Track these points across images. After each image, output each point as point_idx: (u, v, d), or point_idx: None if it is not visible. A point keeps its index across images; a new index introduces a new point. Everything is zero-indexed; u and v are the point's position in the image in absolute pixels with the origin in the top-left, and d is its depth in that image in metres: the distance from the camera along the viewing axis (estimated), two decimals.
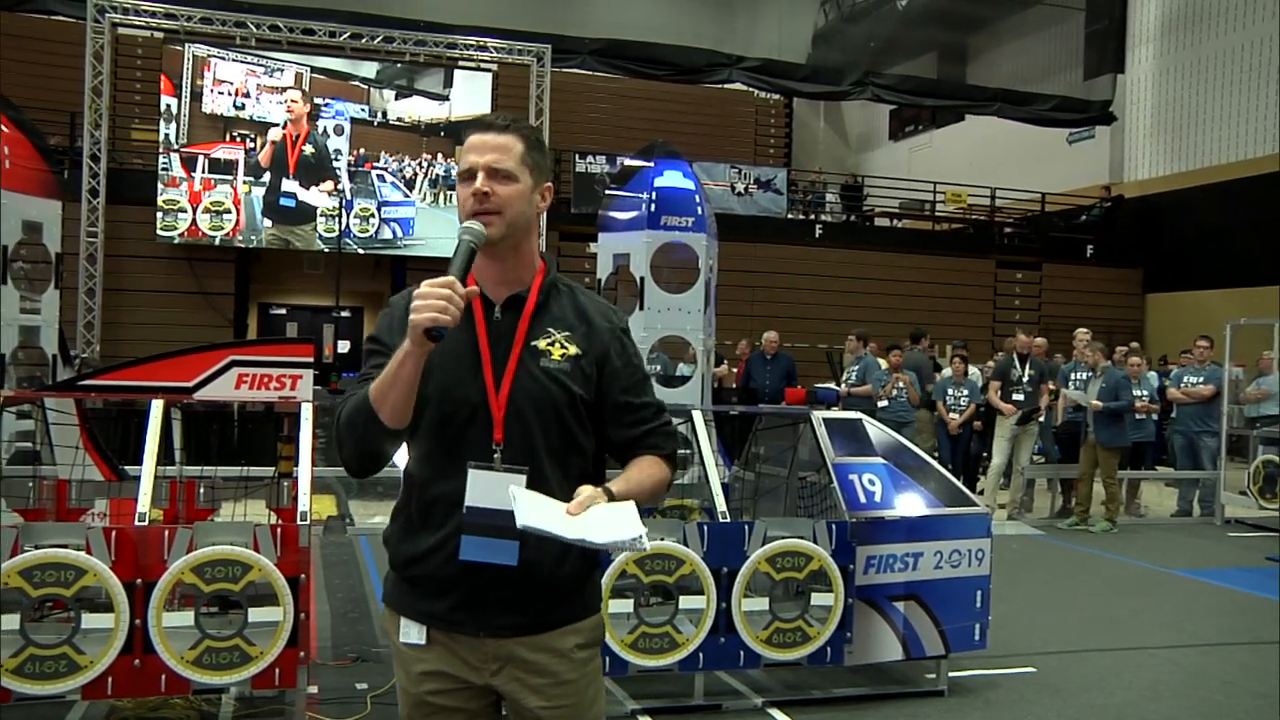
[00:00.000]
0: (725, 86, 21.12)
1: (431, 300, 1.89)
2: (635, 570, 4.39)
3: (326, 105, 16.18)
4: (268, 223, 16.08)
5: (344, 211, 16.22)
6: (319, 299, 17.98)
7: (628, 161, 9.05)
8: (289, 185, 16.16)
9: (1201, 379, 11.36)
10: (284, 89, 16.00)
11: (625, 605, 4.46)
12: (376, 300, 19.43)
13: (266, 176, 15.99)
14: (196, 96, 15.73)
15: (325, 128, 16.26)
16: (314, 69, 16.23)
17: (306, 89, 16.12)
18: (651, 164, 7.76)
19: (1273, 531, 9.97)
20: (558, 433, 2.11)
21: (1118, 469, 10.32)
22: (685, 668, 4.55)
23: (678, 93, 21.30)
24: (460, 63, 17.04)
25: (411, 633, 2.10)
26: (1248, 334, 12.02)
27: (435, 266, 16.74)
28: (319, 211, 16.27)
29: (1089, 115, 21.20)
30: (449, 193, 16.44)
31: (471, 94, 16.75)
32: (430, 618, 2.09)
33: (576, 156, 17.62)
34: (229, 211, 15.87)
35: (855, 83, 19.67)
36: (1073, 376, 10.78)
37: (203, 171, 15.77)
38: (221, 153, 15.85)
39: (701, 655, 4.50)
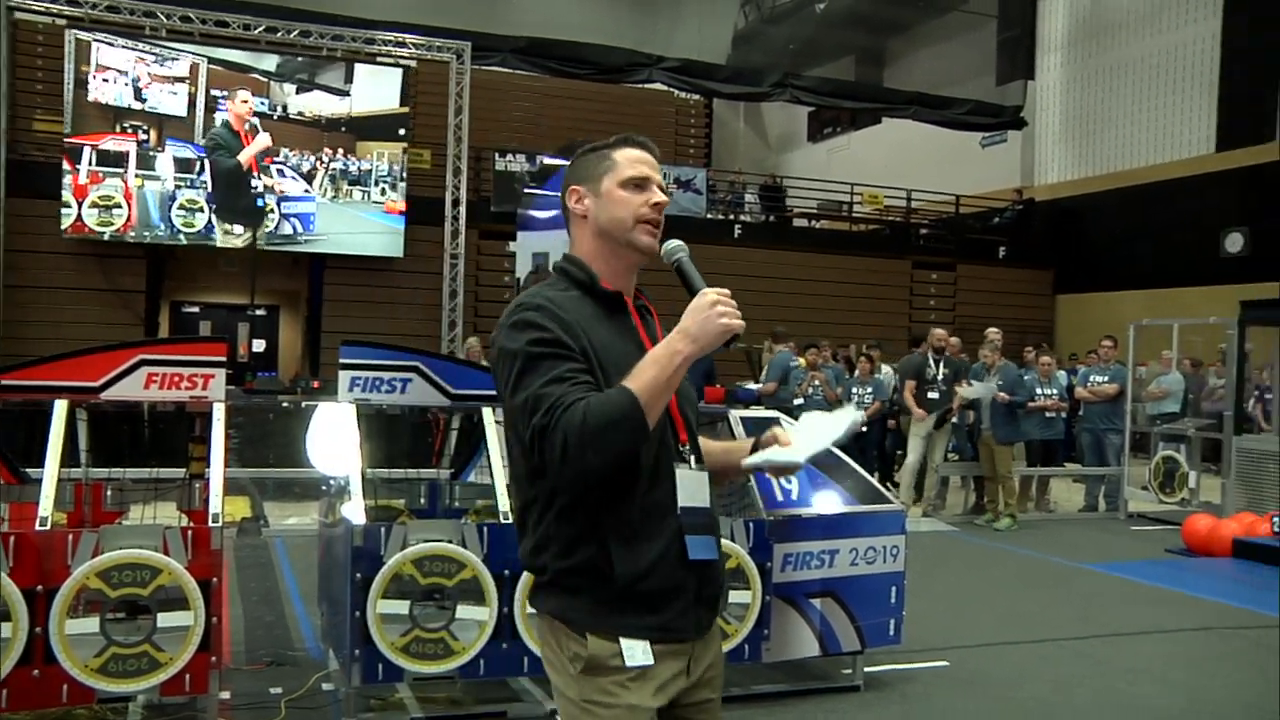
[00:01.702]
0: (646, 86, 21.15)
1: (734, 308, 1.95)
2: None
3: (224, 97, 15.67)
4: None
5: (207, 205, 15.57)
6: (235, 297, 17.61)
7: (547, 160, 9.04)
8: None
9: (1107, 378, 11.69)
10: (178, 79, 15.36)
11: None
12: (294, 299, 19.11)
13: (168, 170, 15.42)
14: (81, 84, 14.91)
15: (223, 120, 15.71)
16: (211, 60, 15.62)
17: (204, 80, 15.50)
18: (570, 163, 7.74)
19: (1173, 525, 10.29)
20: (697, 428, 2.21)
21: (1014, 464, 10.62)
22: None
23: (598, 92, 21.28)
24: (378, 58, 16.82)
25: (637, 653, 1.99)
26: (1150, 334, 12.40)
27: (355, 265, 16.54)
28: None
29: (1001, 120, 21.65)
30: (349, 188, 16.14)
31: (374, 90, 16.36)
32: (653, 631, 2.01)
33: (496, 155, 17.50)
34: (119, 206, 15.13)
35: (775, 84, 19.84)
36: (984, 376, 11.01)
37: (90, 164, 14.99)
38: (110, 144, 15.07)
39: None
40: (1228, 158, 18.01)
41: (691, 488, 2.06)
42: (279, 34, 15.67)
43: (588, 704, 1.99)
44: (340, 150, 16.13)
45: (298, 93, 16.13)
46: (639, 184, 2.12)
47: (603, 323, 2.07)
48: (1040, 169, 22.17)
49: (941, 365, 10.86)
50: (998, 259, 21.02)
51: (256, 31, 15.62)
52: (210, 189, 15.56)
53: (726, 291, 1.97)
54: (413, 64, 17.11)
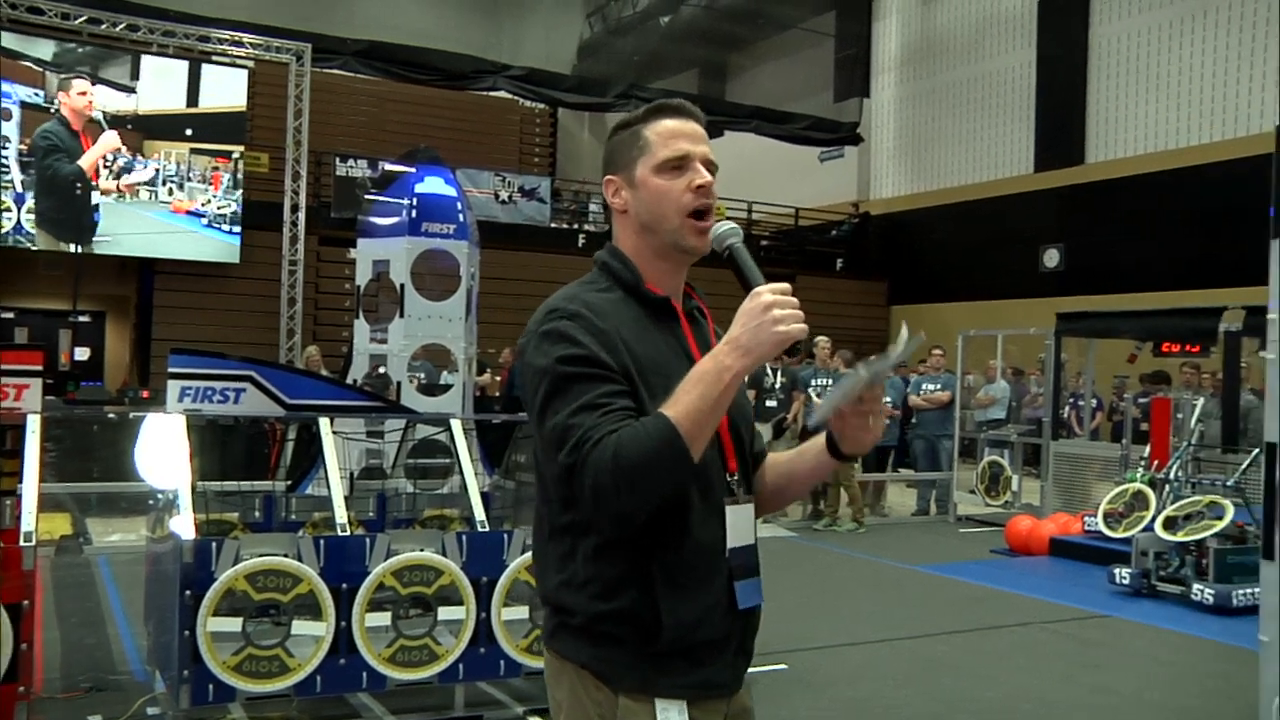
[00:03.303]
0: (491, 94, 21.03)
1: (794, 311, 1.65)
2: (393, 582, 4.29)
3: (60, 89, 14.62)
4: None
5: (15, 205, 14.50)
6: (55, 302, 16.68)
7: (389, 166, 8.88)
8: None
9: (939, 386, 12.17)
10: None
11: (383, 618, 4.35)
12: (121, 304, 18.23)
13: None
14: None
15: None
16: None
17: None
18: (413, 169, 7.64)
19: (997, 526, 10.78)
20: (753, 457, 1.94)
21: (859, 471, 10.95)
22: (445, 679, 4.48)
23: (442, 98, 21.06)
24: (214, 58, 16.21)
25: (672, 715, 1.74)
26: (977, 344, 12.99)
27: (188, 270, 15.90)
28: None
29: (839, 135, 22.32)
30: (137, 187, 15.28)
31: (161, 86, 15.48)
32: (692, 689, 1.76)
33: (337, 160, 17.12)
34: None
35: (619, 95, 20.00)
36: (814, 382, 11.31)
37: None
38: None
39: (461, 667, 4.44)
40: (1045, 178, 19.04)
41: (741, 525, 1.81)
42: (103, 26, 14.89)
43: None
44: (124, 148, 15.15)
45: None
46: (678, 165, 1.81)
47: (648, 330, 1.79)
48: (875, 184, 22.99)
49: (779, 374, 11.11)
50: (835, 270, 21.66)
51: (78, 22, 14.74)
52: (36, 198, 14.47)
53: (785, 287, 1.68)
54: (250, 64, 16.57)
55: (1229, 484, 8.22)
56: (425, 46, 18.23)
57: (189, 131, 15.63)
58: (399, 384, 7.42)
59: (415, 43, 18.13)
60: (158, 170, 15.36)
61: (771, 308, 1.63)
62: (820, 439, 1.92)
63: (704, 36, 22.74)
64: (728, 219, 1.83)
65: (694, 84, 23.75)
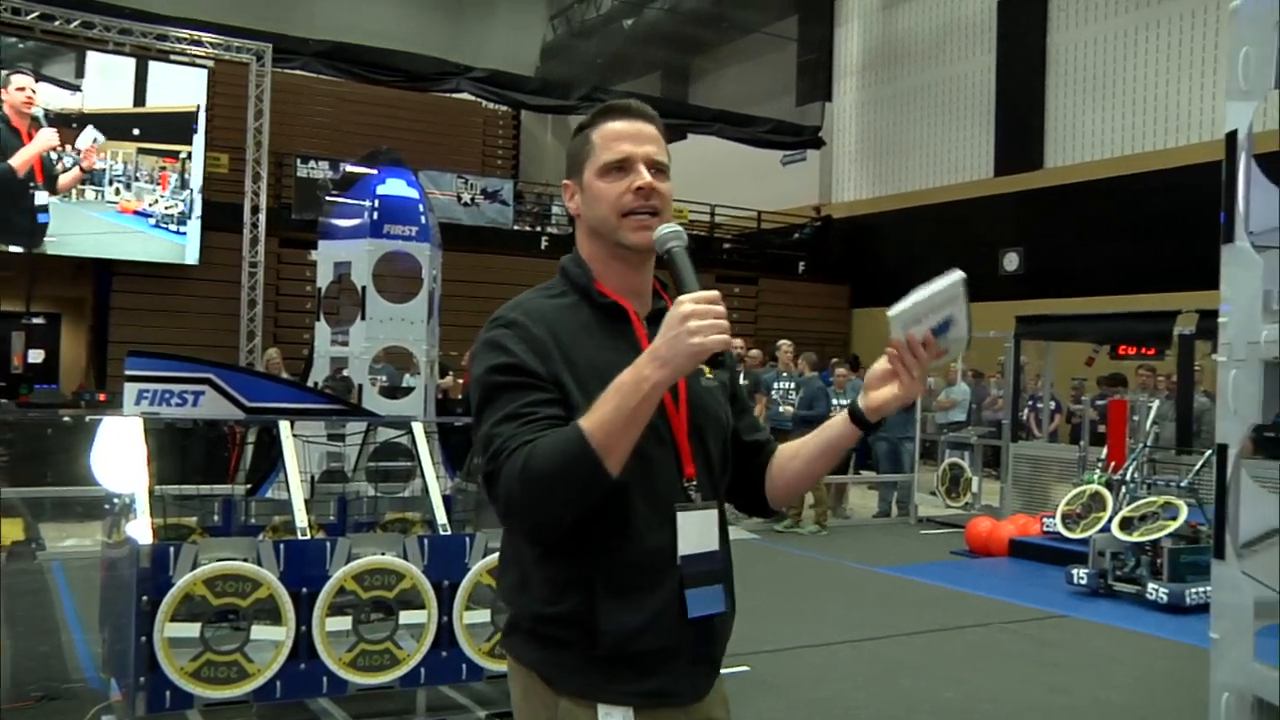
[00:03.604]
0: (453, 96, 20.94)
1: (714, 320, 1.57)
2: (354, 586, 4.26)
3: None
4: None
5: None
6: (8, 304, 16.40)
7: (350, 168, 8.82)
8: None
9: None
10: None
11: (344, 623, 4.32)
12: (77, 306, 17.98)
13: None
14: None
15: None
16: None
17: None
18: (375, 171, 7.58)
19: (958, 528, 10.88)
20: (726, 461, 1.90)
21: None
22: (406, 684, 4.46)
23: (404, 100, 20.94)
24: (172, 57, 16.02)
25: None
26: None
27: (146, 272, 15.70)
28: None
29: (801, 139, 22.44)
30: (83, 187, 14.97)
31: (107, 85, 15.14)
32: (640, 697, 1.73)
33: (298, 161, 16.98)
34: None
35: (582, 97, 19.98)
36: (775, 385, 11.36)
37: None
38: None
39: (423, 671, 4.42)
40: (1005, 182, 19.25)
41: (696, 530, 1.77)
42: (57, 23, 14.64)
43: None
44: (69, 146, 14.79)
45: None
46: (620, 167, 1.80)
47: (598, 336, 1.78)
48: (837, 188, 23.13)
49: (741, 376, 11.13)
50: (798, 274, 21.77)
51: (30, 18, 14.44)
52: None
53: (713, 295, 1.60)
54: (210, 64, 16.39)
55: (1183, 485, 8.34)
56: (387, 47, 18.13)
57: (136, 131, 15.37)
58: (360, 386, 7.38)
59: (377, 44, 18.03)
60: (96, 170, 15.04)
61: (689, 318, 1.57)
62: (842, 414, 1.89)
63: (667, 39, 22.81)
64: (675, 224, 1.78)
65: (657, 87, 23.81)
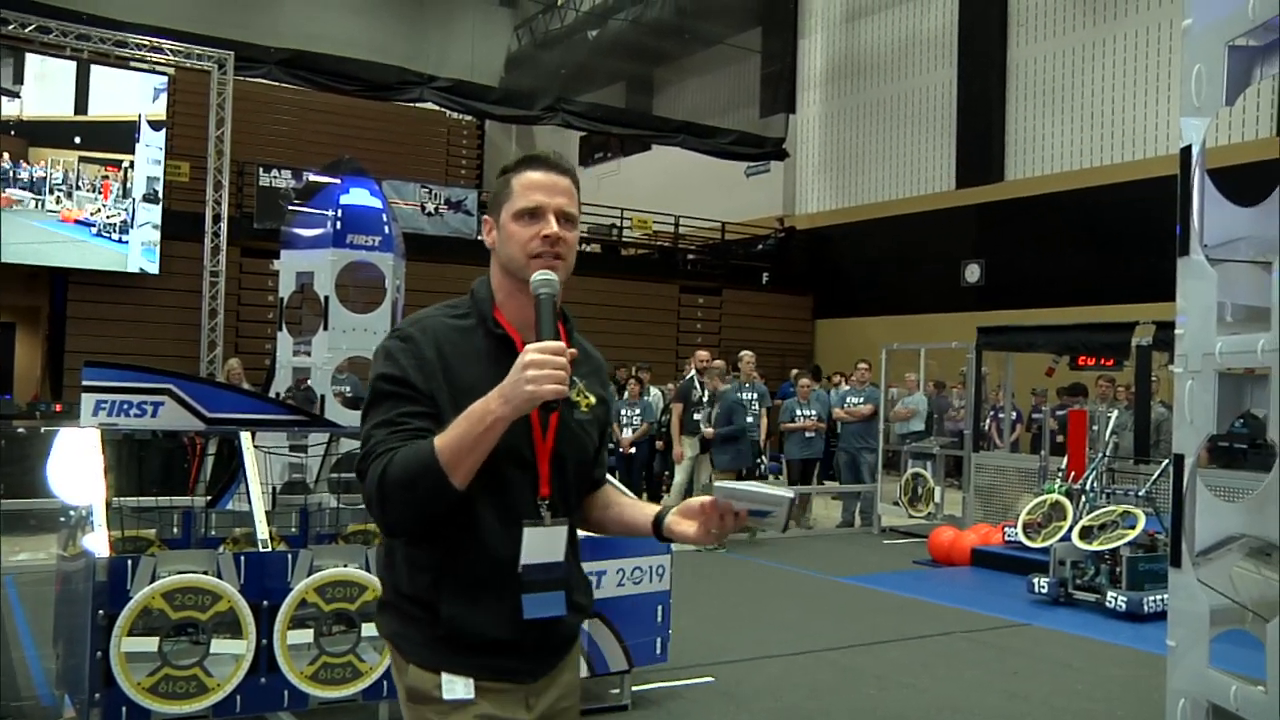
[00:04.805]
0: (417, 105, 20.88)
1: (550, 371, 1.76)
2: (316, 599, 4.23)
3: None
4: None
5: None
6: None
7: (313, 177, 8.77)
8: None
9: (862, 399, 12.33)
10: None
11: (306, 636, 4.28)
12: (32, 315, 17.72)
13: None
14: None
15: None
16: None
17: None
18: (338, 180, 7.56)
19: (920, 537, 10.94)
20: (581, 484, 2.11)
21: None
22: (369, 697, 4.43)
23: (368, 109, 20.85)
24: (132, 64, 15.84)
25: (457, 688, 1.93)
26: (901, 357, 13.20)
27: (103, 281, 15.49)
28: None
29: (765, 150, 22.53)
30: (19, 193, 14.64)
31: (46, 92, 14.88)
32: (480, 669, 1.95)
33: (260, 170, 16.84)
34: None
35: (546, 108, 19.98)
36: (738, 395, 11.37)
37: None
38: None
39: (386, 684, 4.38)
40: (966, 195, 19.43)
41: (542, 544, 1.96)
42: (10, 27, 14.42)
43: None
44: (6, 155, 14.59)
45: None
46: (532, 213, 1.99)
47: (484, 362, 1.94)
48: (800, 199, 23.25)
49: (706, 388, 11.17)
50: (761, 284, 21.85)
51: None
52: None
53: (557, 346, 1.79)
54: (170, 71, 16.21)
55: (1141, 494, 8.44)
56: (350, 56, 18.03)
57: (77, 139, 15.15)
58: (323, 397, 7.33)
59: (340, 52, 17.93)
60: (37, 177, 14.79)
61: (529, 367, 1.75)
62: (654, 508, 2.10)
63: (631, 51, 22.84)
64: (553, 275, 1.94)
65: (621, 97, 23.84)
